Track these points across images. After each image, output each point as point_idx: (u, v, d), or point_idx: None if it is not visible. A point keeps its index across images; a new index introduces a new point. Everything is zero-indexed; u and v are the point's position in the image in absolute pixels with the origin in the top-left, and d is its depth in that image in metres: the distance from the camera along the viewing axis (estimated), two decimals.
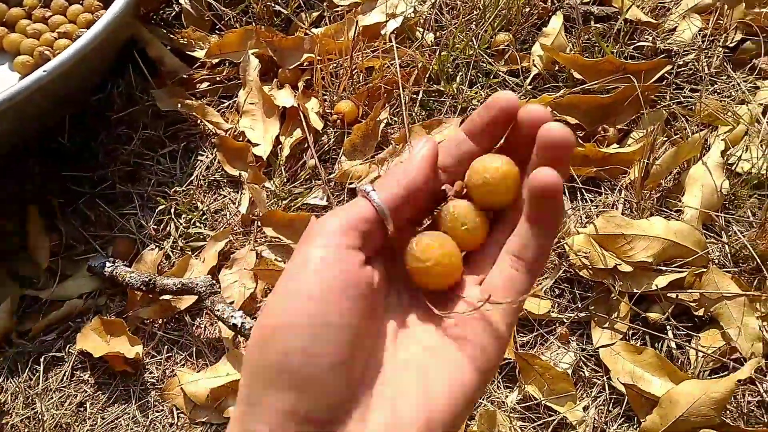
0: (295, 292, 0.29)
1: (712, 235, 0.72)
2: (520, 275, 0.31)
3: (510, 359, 0.67)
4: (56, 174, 0.87)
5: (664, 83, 0.84)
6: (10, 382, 0.73)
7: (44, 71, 0.74)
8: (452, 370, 0.30)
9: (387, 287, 0.33)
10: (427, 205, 0.34)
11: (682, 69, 0.85)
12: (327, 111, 0.89)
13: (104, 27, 0.78)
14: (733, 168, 0.75)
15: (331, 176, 0.85)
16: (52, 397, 0.72)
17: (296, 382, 0.27)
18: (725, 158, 0.75)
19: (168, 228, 0.83)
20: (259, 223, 0.82)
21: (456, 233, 0.32)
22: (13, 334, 0.76)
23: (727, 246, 0.70)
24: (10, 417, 0.71)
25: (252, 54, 0.92)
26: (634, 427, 0.64)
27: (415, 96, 0.88)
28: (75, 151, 0.89)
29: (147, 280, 0.74)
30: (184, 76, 0.95)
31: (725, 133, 0.79)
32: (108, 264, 0.77)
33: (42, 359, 0.74)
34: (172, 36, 0.98)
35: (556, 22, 0.92)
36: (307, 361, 0.27)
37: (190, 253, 0.81)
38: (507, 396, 0.66)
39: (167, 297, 0.77)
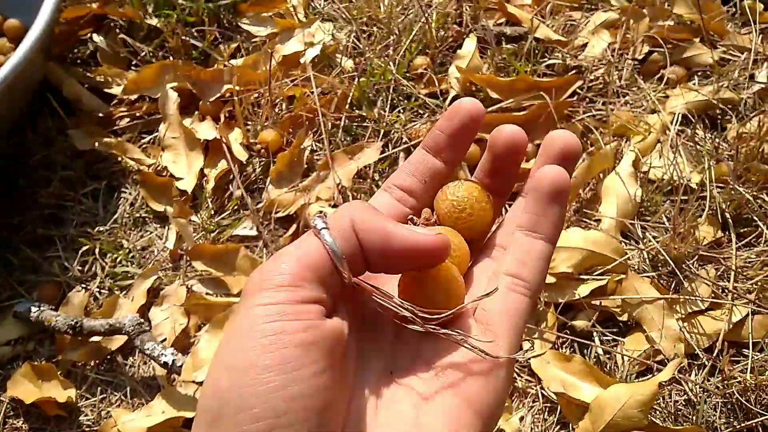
0: (243, 368, 0.23)
1: (630, 242, 0.74)
2: (521, 298, 0.29)
3: None
4: None
5: (576, 98, 0.87)
6: None
7: None
8: (450, 419, 0.26)
9: (360, 333, 0.28)
10: None
11: (593, 83, 0.88)
12: (251, 141, 0.88)
13: (12, 69, 0.75)
14: (647, 175, 0.78)
15: (259, 205, 0.83)
16: None
17: None
18: (638, 167, 0.77)
19: (94, 268, 0.80)
20: (188, 258, 0.79)
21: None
22: None
23: (644, 252, 0.72)
24: None
25: (171, 88, 0.90)
26: (570, 428, 0.64)
27: (337, 122, 0.88)
28: None
29: (74, 323, 0.71)
30: (102, 115, 0.92)
31: (638, 142, 0.81)
32: (33, 309, 0.74)
33: None
34: (88, 74, 0.95)
35: (470, 44, 0.94)
36: None
37: (118, 292, 0.78)
38: None
39: (97, 338, 0.73)
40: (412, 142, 0.87)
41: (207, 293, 0.77)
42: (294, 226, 0.80)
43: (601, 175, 0.77)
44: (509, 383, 0.28)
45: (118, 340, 0.74)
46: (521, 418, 0.63)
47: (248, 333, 0.24)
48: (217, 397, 0.24)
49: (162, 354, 0.68)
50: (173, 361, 0.68)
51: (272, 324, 0.24)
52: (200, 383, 0.68)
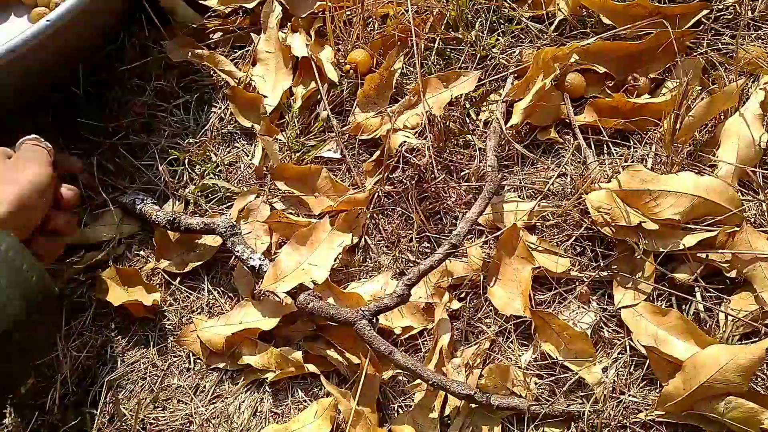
0: None
1: (748, 192, 0.65)
2: None
3: (525, 317, 0.63)
4: (71, 125, 0.84)
5: (701, 29, 0.76)
6: None
7: (47, 21, 0.70)
8: None
9: None
10: None
11: (722, 13, 0.77)
12: (341, 61, 0.84)
13: None
14: None
15: (345, 128, 0.79)
16: (74, 341, 0.71)
17: None
18: (766, 110, 0.67)
19: (184, 178, 0.80)
20: (271, 177, 0.78)
21: None
22: None
23: (764, 204, 0.63)
24: None
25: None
26: (656, 390, 0.59)
27: (431, 44, 0.82)
28: (89, 102, 0.85)
29: (172, 218, 0.73)
30: (196, 26, 0.89)
31: (767, 83, 0.71)
32: (138, 200, 0.76)
33: (64, 306, 0.73)
34: None
35: None
36: None
37: (205, 205, 0.78)
38: (521, 354, 0.62)
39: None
40: (510, 71, 0.79)
41: (289, 211, 0.76)
42: (378, 152, 0.76)
43: (723, 116, 0.68)
44: None
45: (209, 252, 0.74)
46: (604, 369, 0.58)
47: None
48: None
49: (251, 258, 0.68)
50: (260, 265, 0.68)
51: None
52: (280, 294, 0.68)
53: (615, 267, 0.64)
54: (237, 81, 0.85)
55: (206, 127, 0.84)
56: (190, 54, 0.85)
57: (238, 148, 0.83)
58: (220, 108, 0.85)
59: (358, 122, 0.78)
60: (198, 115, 0.85)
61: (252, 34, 0.88)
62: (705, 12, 0.76)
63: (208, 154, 0.82)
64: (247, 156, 0.82)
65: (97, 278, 0.74)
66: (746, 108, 0.67)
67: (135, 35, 0.89)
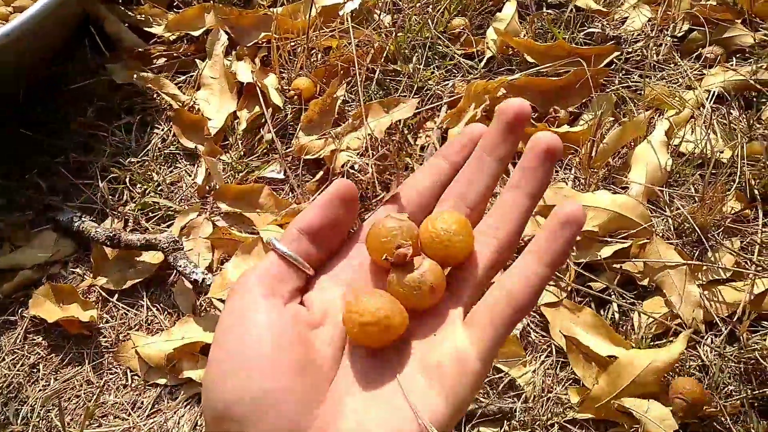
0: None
1: (656, 209, 0.72)
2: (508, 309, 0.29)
3: None
4: (8, 140, 0.82)
5: (613, 68, 0.84)
6: None
7: None
8: (420, 401, 0.27)
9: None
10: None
11: (631, 55, 0.86)
12: (284, 88, 0.86)
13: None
14: (678, 148, 0.75)
15: (289, 150, 0.82)
16: (4, 359, 0.68)
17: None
18: (670, 137, 0.75)
19: (124, 197, 0.79)
20: (213, 198, 0.78)
21: (408, 298, 0.29)
22: None
23: (670, 219, 0.70)
24: None
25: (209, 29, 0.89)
26: (581, 384, 0.62)
27: (371, 75, 0.86)
28: (28, 119, 0.83)
29: (112, 235, 0.72)
30: (141, 50, 0.90)
31: (671, 116, 0.79)
32: (75, 218, 0.74)
33: None
34: (129, 13, 0.94)
35: (510, 8, 0.92)
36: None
37: (145, 223, 0.77)
38: None
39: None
40: (444, 101, 0.85)
41: (231, 228, 0.76)
42: (321, 172, 0.79)
43: (632, 144, 0.75)
44: (484, 376, 0.29)
45: (148, 269, 0.74)
46: (534, 371, 0.62)
47: (237, 324, 0.29)
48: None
49: (193, 272, 0.68)
50: (203, 279, 0.68)
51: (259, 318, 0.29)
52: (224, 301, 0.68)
53: None
54: (181, 104, 0.87)
55: (148, 148, 0.84)
56: (135, 76, 0.86)
57: (180, 168, 0.83)
58: (162, 129, 0.86)
59: (302, 144, 0.81)
60: (140, 135, 0.85)
61: (197, 61, 0.90)
62: (617, 54, 0.84)
63: (149, 173, 0.82)
64: (190, 176, 0.82)
65: (31, 296, 0.72)
66: (653, 136, 0.74)
67: (80, 58, 0.89)
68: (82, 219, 0.75)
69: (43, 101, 0.86)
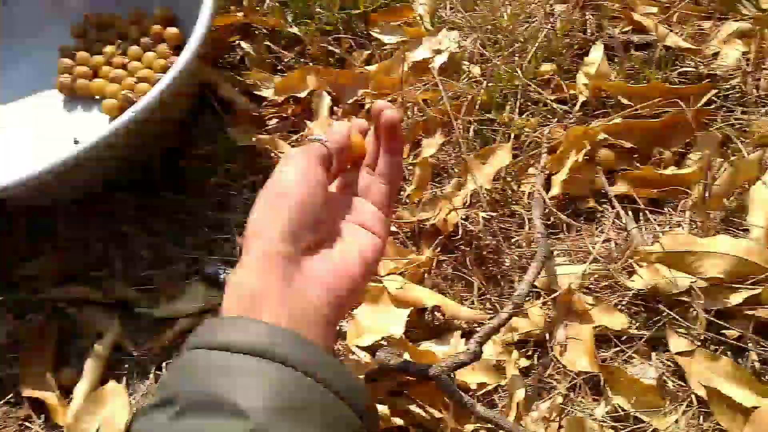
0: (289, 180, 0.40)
1: None
2: (386, 187, 0.46)
3: (594, 373, 0.65)
4: (151, 204, 0.86)
5: (713, 107, 0.82)
6: (138, 386, 0.74)
7: (133, 112, 0.73)
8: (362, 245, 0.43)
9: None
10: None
11: (730, 92, 0.83)
12: None
13: (179, 71, 0.77)
14: None
15: (397, 206, 0.82)
16: None
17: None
18: None
19: None
20: None
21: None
22: (125, 347, 0.76)
23: None
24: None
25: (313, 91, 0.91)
26: None
27: (468, 126, 0.86)
28: (166, 183, 0.87)
29: None
30: (255, 114, 0.93)
31: None
32: (220, 271, 0.78)
33: (163, 366, 0.75)
34: (239, 78, 0.97)
35: (597, 51, 0.90)
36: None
37: None
38: (595, 408, 0.64)
39: None
40: (544, 146, 0.84)
41: None
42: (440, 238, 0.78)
43: (747, 184, 0.72)
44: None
45: None
46: (676, 421, 0.60)
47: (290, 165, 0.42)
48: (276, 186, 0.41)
49: None
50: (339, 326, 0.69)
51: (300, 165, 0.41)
52: (365, 348, 0.69)
53: (669, 323, 0.66)
54: None
55: None
56: (254, 138, 0.88)
57: None
58: None
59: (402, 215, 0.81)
60: None
61: (306, 121, 0.92)
62: (714, 92, 0.82)
63: None
64: None
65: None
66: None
67: (202, 123, 0.93)
68: (227, 271, 0.78)
69: (178, 165, 0.89)
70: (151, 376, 0.74)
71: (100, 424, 0.70)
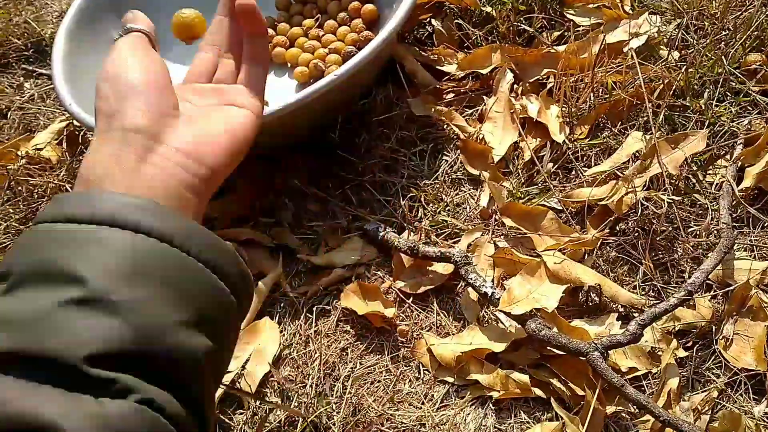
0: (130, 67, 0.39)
1: None
2: (255, 68, 0.47)
3: (757, 371, 0.60)
4: (326, 164, 0.95)
5: None
6: (289, 325, 0.82)
7: (335, 75, 0.80)
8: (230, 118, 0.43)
9: None
10: None
11: None
12: (568, 122, 0.87)
13: (377, 45, 0.83)
14: None
15: (567, 184, 0.82)
16: (321, 340, 0.79)
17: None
18: None
19: (419, 214, 0.87)
20: (497, 216, 0.82)
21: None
22: (283, 287, 0.84)
23: None
24: (290, 350, 0.79)
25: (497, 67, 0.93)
26: None
27: (657, 110, 0.83)
28: (342, 145, 0.96)
29: (413, 246, 0.79)
30: (434, 87, 0.99)
31: None
32: (380, 229, 0.83)
33: (314, 310, 0.82)
34: (423, 53, 1.03)
35: None
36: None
37: (435, 237, 0.84)
38: (754, 406, 0.59)
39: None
40: (740, 137, 0.78)
41: (512, 248, 0.79)
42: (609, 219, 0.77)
43: None
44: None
45: (439, 278, 0.80)
46: None
47: (128, 54, 0.41)
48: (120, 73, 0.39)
49: (483, 285, 0.73)
50: (492, 292, 0.72)
51: (137, 50, 0.41)
52: (515, 316, 0.71)
53: None
54: (467, 134, 0.92)
55: (438, 172, 0.91)
56: (433, 110, 0.94)
57: (465, 192, 0.89)
58: (451, 157, 0.92)
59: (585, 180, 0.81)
60: (432, 161, 0.93)
61: (483, 97, 0.95)
62: None
63: (439, 194, 0.89)
64: (473, 199, 0.87)
65: (342, 290, 0.82)
66: None
67: (383, 92, 1.00)
68: (386, 230, 0.84)
69: (356, 130, 0.98)
70: (302, 317, 0.81)
71: (251, 354, 0.79)
